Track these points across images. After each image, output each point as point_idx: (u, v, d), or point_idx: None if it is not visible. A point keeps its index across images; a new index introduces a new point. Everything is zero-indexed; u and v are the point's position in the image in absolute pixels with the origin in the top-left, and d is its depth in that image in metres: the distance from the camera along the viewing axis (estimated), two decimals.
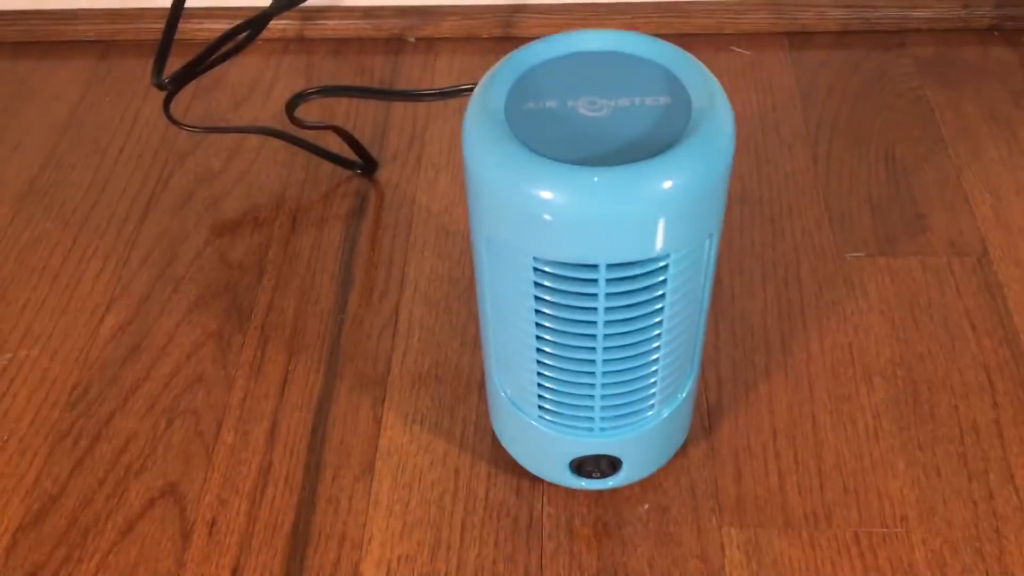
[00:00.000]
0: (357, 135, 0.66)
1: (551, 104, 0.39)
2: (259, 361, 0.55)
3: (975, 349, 0.54)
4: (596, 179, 0.35)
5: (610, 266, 0.38)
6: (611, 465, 0.46)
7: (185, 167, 0.66)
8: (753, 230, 0.60)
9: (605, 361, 0.41)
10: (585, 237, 0.37)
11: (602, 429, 0.45)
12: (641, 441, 0.46)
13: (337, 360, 0.55)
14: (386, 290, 0.59)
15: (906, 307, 0.56)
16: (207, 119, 0.69)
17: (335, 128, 0.61)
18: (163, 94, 0.59)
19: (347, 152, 0.64)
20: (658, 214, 0.36)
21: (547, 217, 0.36)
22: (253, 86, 0.71)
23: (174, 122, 0.61)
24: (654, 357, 0.42)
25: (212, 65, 0.60)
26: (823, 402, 0.52)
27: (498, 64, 0.40)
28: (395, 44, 0.75)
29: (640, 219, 0.36)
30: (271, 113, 0.69)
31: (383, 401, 0.53)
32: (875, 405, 0.52)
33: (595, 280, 0.38)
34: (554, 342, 0.41)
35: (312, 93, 0.54)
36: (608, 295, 0.39)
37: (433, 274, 0.59)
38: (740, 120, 0.67)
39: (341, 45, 0.75)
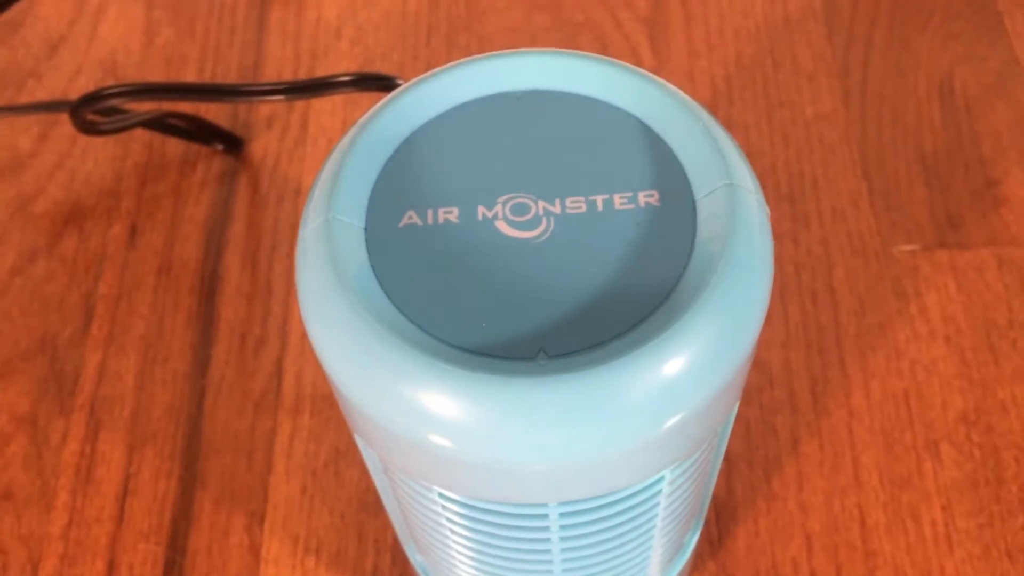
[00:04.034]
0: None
1: (448, 215, 0.22)
2: (88, 462, 0.40)
3: None
4: (527, 389, 0.19)
5: (565, 503, 0.22)
6: None
7: None
8: None
9: None
10: (519, 476, 0.21)
11: None
12: None
13: (197, 455, 0.40)
14: (264, 337, 0.42)
15: (980, 329, 0.41)
16: (11, 76, 0.50)
17: (163, 117, 0.43)
18: None
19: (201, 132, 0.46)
20: (642, 439, 0.20)
21: (448, 445, 0.20)
22: (74, 17, 0.52)
23: None
24: (640, 565, 0.27)
25: None
26: (874, 489, 0.38)
27: (354, 132, 0.23)
28: None
29: (610, 451, 0.20)
30: (99, 57, 0.51)
31: (262, 520, 0.38)
32: (944, 489, 0.38)
33: (543, 516, 0.22)
34: (490, 573, 0.26)
35: (112, 95, 0.35)
36: (565, 537, 0.23)
37: None
38: (743, 40, 0.49)
39: None
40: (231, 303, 0.43)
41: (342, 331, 0.20)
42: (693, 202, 0.21)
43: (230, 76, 0.50)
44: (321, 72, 0.49)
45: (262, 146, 0.47)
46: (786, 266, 0.42)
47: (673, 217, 0.21)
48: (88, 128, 0.37)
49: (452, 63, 0.23)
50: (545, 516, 0.22)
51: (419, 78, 0.23)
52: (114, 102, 0.35)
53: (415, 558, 0.31)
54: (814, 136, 0.46)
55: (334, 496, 0.38)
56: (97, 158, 0.47)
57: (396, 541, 0.37)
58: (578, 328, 0.20)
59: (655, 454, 0.21)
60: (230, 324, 0.42)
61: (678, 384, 0.20)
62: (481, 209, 0.22)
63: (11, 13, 0.52)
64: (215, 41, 0.51)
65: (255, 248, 0.44)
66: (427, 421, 0.20)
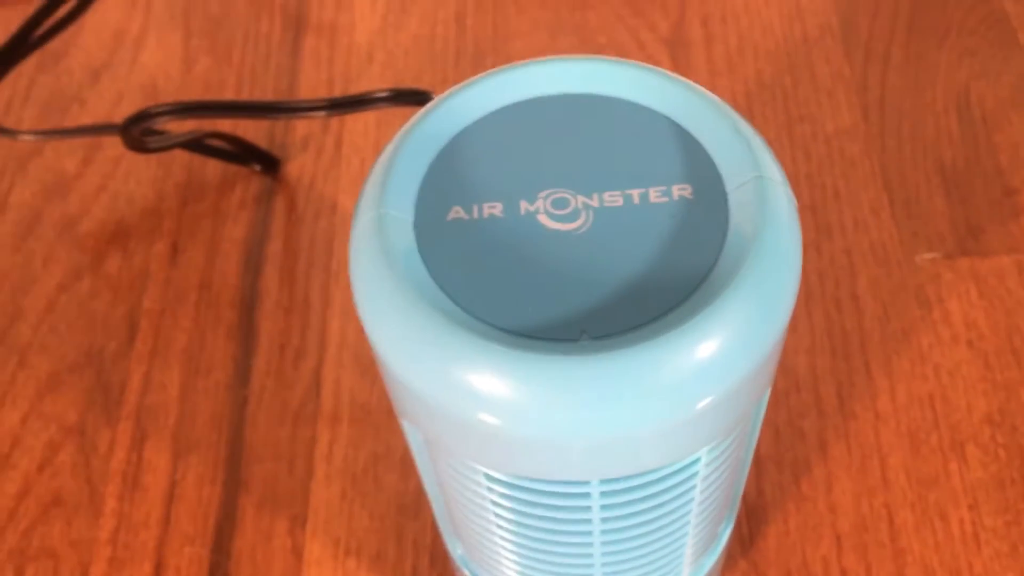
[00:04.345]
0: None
1: (492, 209, 0.23)
2: (135, 469, 0.41)
3: None
4: (571, 367, 0.20)
5: (606, 480, 0.23)
6: None
7: (29, 175, 0.50)
8: None
9: (606, 565, 0.27)
10: (560, 453, 0.22)
11: None
12: None
13: (239, 461, 0.41)
14: (303, 348, 0.44)
15: (1002, 333, 0.42)
16: (56, 102, 0.52)
17: (205, 136, 0.45)
18: None
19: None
20: (680, 416, 0.21)
21: (495, 423, 0.21)
22: (115, 45, 0.54)
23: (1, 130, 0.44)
24: (678, 545, 0.28)
25: (32, 50, 0.43)
26: (901, 489, 0.39)
27: (402, 134, 0.24)
28: None
29: (649, 427, 0.21)
30: (140, 83, 0.52)
31: (304, 522, 0.39)
32: (971, 489, 0.38)
33: (585, 494, 0.24)
34: (528, 551, 0.27)
35: (160, 114, 0.37)
36: (606, 518, 0.24)
37: None
38: (763, 58, 0.51)
39: None
40: (270, 317, 0.44)
41: (394, 315, 0.21)
42: (724, 194, 0.23)
43: (267, 99, 0.51)
44: None
45: (298, 166, 0.49)
46: (810, 275, 0.44)
47: (706, 208, 0.22)
48: (138, 146, 0.39)
49: (491, 71, 0.25)
50: (587, 495, 0.23)
51: (461, 84, 0.25)
52: (162, 120, 0.37)
53: (455, 552, 0.32)
54: (835, 150, 0.47)
55: (373, 500, 0.40)
56: (139, 180, 0.49)
57: (435, 542, 0.38)
58: (618, 312, 0.21)
59: (692, 432, 0.22)
60: (270, 336, 0.44)
61: (713, 363, 0.21)
62: (523, 204, 0.23)
63: (54, 43, 0.54)
64: (251, 67, 0.53)
65: (293, 264, 0.46)
66: (475, 399, 0.21)
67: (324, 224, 0.47)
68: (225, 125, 0.48)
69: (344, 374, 0.43)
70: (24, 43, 0.44)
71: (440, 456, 0.24)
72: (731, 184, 0.23)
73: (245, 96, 0.51)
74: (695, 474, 0.24)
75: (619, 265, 0.22)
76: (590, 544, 0.25)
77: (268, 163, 0.48)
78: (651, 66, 0.24)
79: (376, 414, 0.41)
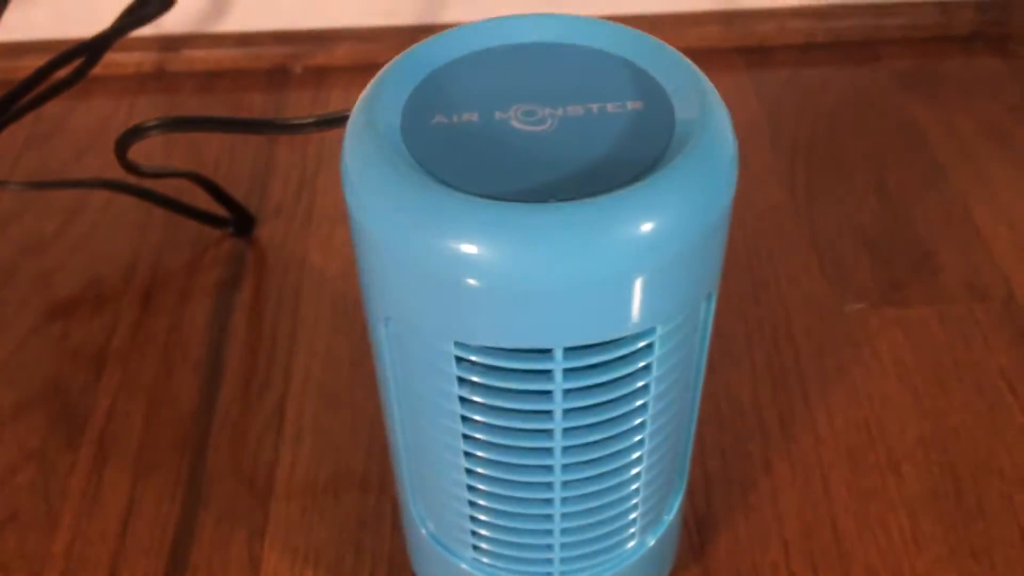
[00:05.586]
0: (231, 182, 0.53)
1: (470, 117, 0.26)
2: (94, 489, 0.41)
3: (1021, 419, 0.43)
4: (542, 220, 0.23)
5: (569, 351, 0.25)
6: None
7: (8, 234, 0.52)
8: (728, 281, 0.48)
9: (566, 485, 0.28)
10: (530, 310, 0.24)
11: (563, 574, 0.32)
12: None
13: (201, 481, 0.41)
14: (268, 381, 0.45)
15: (928, 369, 0.45)
16: (40, 173, 0.55)
17: (190, 175, 0.48)
18: None
19: (217, 207, 0.51)
20: (637, 271, 0.24)
21: (471, 282, 0.23)
22: (100, 131, 0.58)
23: None
24: (634, 472, 0.29)
25: (30, 108, 0.46)
26: (843, 501, 0.40)
27: (392, 63, 0.27)
28: (278, 76, 0.62)
29: (611, 280, 0.24)
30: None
31: (263, 535, 0.40)
32: (909, 501, 0.40)
33: (548, 372, 0.25)
34: (492, 461, 0.28)
35: (151, 127, 0.41)
36: (568, 392, 0.26)
37: (329, 357, 0.46)
38: None
39: (212, 80, 0.61)
40: (237, 355, 0.46)
41: (380, 183, 0.24)
42: (671, 106, 0.26)
43: (242, 178, 0.55)
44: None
45: (269, 229, 0.52)
46: (750, 321, 0.47)
47: (655, 116, 0.26)
48: (130, 167, 0.42)
49: (466, 23, 0.29)
50: (550, 374, 0.25)
51: (440, 33, 0.28)
52: (153, 133, 0.40)
53: (423, 528, 0.33)
54: (768, 222, 0.51)
55: (332, 515, 0.40)
56: (116, 240, 0.51)
57: (393, 552, 0.39)
58: (582, 184, 0.24)
59: (645, 299, 0.24)
60: (236, 372, 0.45)
61: (664, 222, 0.23)
62: (497, 113, 0.26)
63: (42, 126, 0.57)
64: (230, 147, 0.56)
65: (261, 310, 0.48)
66: (457, 255, 0.23)
67: (293, 278, 0.49)
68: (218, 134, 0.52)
69: (308, 404, 0.44)
70: (7, 109, 0.46)
71: (413, 346, 0.26)
72: (676, 98, 0.26)
73: (223, 173, 0.55)
74: (649, 365, 0.26)
75: (582, 154, 0.25)
76: (551, 452, 0.27)
77: (243, 219, 0.51)
78: (608, 21, 0.28)
79: (339, 437, 0.43)
